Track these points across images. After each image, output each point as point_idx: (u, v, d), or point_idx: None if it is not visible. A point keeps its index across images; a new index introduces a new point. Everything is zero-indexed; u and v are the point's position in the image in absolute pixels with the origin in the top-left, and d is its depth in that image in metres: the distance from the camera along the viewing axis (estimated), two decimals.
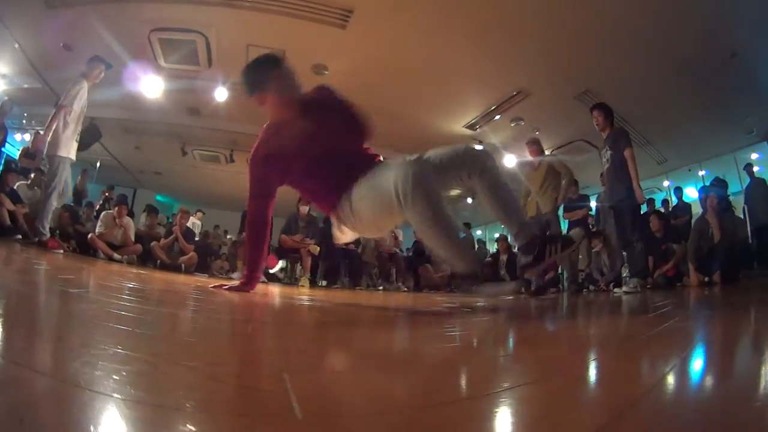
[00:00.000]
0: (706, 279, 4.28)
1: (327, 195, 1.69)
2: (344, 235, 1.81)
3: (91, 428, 0.28)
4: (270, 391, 0.43)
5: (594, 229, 5.27)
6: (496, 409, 0.41)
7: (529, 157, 4.35)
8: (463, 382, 0.57)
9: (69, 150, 3.67)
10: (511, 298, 2.54)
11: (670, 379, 0.54)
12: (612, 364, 0.68)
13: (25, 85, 5.75)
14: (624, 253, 4.00)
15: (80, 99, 3.71)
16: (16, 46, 4.88)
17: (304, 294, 2.90)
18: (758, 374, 0.60)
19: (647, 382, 0.55)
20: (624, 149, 3.48)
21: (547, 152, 4.97)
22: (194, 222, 8.01)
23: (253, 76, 1.80)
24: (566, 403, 0.44)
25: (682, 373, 0.59)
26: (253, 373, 0.54)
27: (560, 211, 4.45)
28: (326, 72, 5.09)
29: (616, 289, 3.98)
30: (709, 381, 0.57)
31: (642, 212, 3.64)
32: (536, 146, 4.35)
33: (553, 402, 0.44)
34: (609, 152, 3.59)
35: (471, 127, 6.44)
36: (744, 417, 0.38)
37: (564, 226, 4.62)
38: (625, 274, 4.45)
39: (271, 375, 0.52)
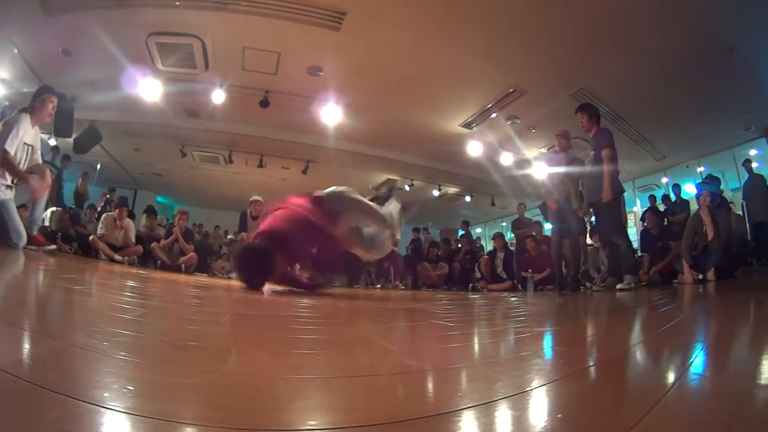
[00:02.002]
0: (700, 276, 4.28)
1: None
2: None
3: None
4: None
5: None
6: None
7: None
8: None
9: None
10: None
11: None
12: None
13: (25, 90, 5.80)
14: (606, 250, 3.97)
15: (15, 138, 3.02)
16: (15, 51, 4.94)
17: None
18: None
19: None
20: (603, 149, 3.50)
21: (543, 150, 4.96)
22: None
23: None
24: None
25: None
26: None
27: None
28: (321, 73, 5.12)
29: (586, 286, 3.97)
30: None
31: (623, 210, 3.64)
32: (566, 140, 4.13)
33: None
34: (592, 152, 3.62)
35: (467, 125, 6.42)
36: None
37: None
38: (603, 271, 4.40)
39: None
